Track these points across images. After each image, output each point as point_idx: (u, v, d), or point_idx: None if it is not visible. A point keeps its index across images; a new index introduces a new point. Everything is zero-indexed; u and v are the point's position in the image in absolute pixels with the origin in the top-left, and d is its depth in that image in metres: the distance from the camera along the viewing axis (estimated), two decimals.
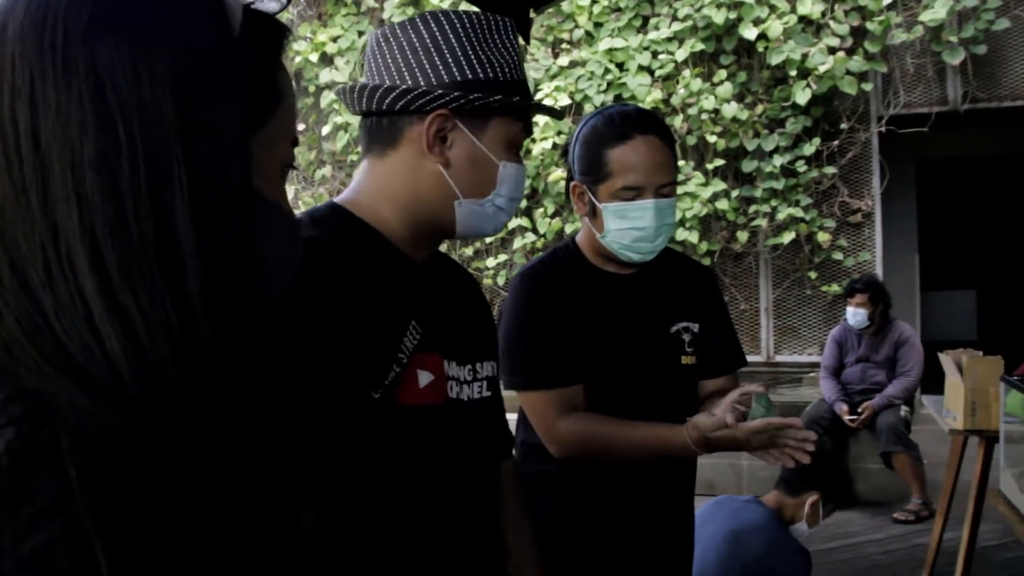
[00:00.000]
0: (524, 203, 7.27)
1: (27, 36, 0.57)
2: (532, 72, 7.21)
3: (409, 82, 1.18)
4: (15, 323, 0.56)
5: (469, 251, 7.47)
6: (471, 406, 1.26)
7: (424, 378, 1.16)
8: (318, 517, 1.02)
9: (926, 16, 6.36)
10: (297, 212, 0.92)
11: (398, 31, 1.21)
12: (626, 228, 1.70)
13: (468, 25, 1.20)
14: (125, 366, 0.55)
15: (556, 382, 1.71)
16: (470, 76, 1.18)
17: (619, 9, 7.14)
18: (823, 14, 6.57)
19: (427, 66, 1.18)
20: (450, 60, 1.18)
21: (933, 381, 4.71)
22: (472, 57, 1.19)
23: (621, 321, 1.78)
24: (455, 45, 1.18)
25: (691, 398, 1.84)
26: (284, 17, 8.33)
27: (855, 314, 5.34)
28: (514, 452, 1.88)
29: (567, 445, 1.70)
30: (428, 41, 1.19)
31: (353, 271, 1.14)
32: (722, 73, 6.80)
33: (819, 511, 2.97)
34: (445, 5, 7.33)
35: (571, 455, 1.71)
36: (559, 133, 6.97)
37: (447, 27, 1.19)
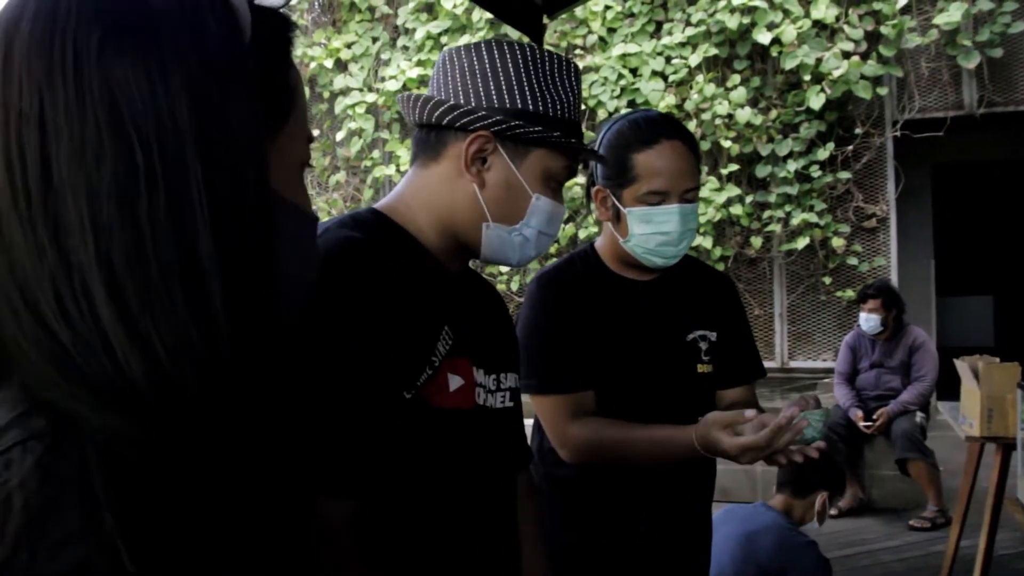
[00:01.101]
0: None
1: (34, 57, 0.55)
2: None
3: (461, 101, 1.22)
4: (34, 350, 0.54)
5: None
6: (496, 414, 1.28)
7: (455, 382, 1.18)
8: (358, 505, 1.05)
9: (941, 19, 6.34)
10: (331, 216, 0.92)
11: (463, 53, 1.26)
12: (651, 233, 1.70)
13: (529, 58, 1.24)
14: (147, 389, 0.54)
15: (570, 387, 1.72)
16: (520, 105, 1.22)
17: (632, 15, 7.15)
18: (837, 18, 6.55)
19: (481, 89, 1.22)
20: (504, 86, 1.23)
21: (950, 387, 4.68)
22: (525, 87, 1.23)
23: (637, 328, 1.78)
24: (512, 73, 1.23)
25: (707, 407, 1.82)
26: (298, 23, 8.40)
27: (868, 319, 5.32)
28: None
29: (578, 449, 1.70)
30: (488, 66, 1.23)
31: (392, 272, 1.16)
32: (736, 78, 6.79)
33: (827, 509, 3.00)
34: (459, 12, 7.35)
35: (582, 459, 1.71)
36: None
37: (508, 56, 1.24)
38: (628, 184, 1.71)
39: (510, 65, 1.23)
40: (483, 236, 1.24)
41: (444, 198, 1.23)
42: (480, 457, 1.22)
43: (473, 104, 1.22)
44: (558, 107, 1.25)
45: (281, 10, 0.72)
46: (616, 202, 1.74)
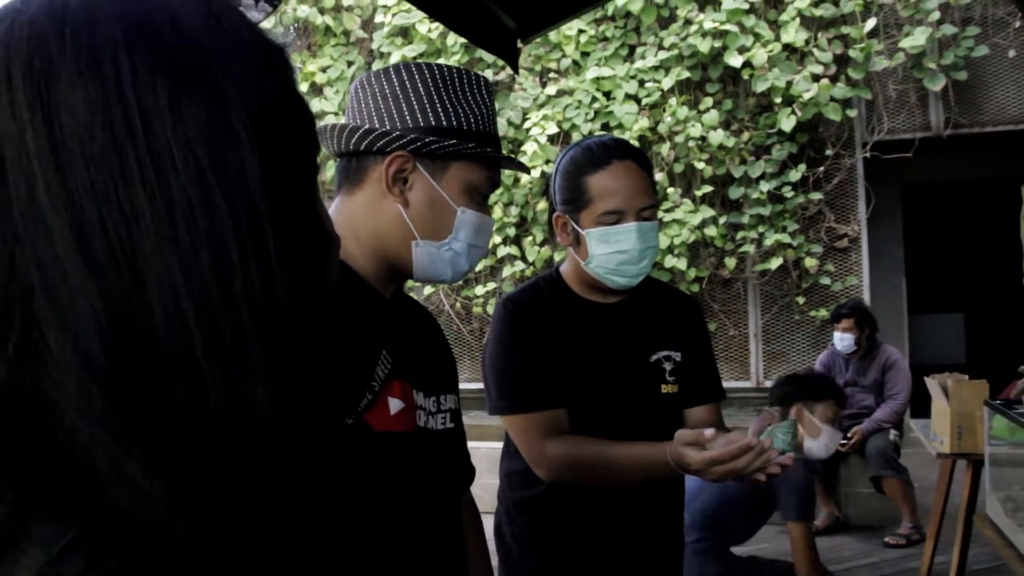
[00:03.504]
0: (513, 232, 7.30)
1: (93, 139, 0.48)
2: (520, 101, 7.28)
3: (376, 124, 1.24)
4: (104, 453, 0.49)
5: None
6: (437, 436, 1.29)
7: (395, 405, 1.19)
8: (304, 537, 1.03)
9: (907, 43, 6.46)
10: None
11: (373, 79, 1.27)
12: (610, 252, 1.73)
13: (439, 76, 1.26)
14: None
15: (541, 405, 1.73)
16: (432, 122, 1.24)
17: (606, 38, 7.23)
18: (806, 42, 6.66)
19: (394, 111, 1.24)
20: (416, 106, 1.24)
21: (921, 405, 4.73)
22: (437, 105, 1.25)
23: (602, 349, 1.80)
24: (422, 93, 1.24)
25: (674, 426, 1.84)
26: None
27: (842, 339, 5.37)
28: (501, 480, 1.89)
29: (554, 467, 1.71)
30: (398, 88, 1.25)
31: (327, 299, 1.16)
32: (708, 101, 6.87)
33: (810, 416, 3.10)
34: (434, 36, 7.40)
35: (558, 477, 1.72)
36: (547, 161, 7.02)
37: (417, 77, 1.25)
38: (585, 207, 1.74)
39: (419, 84, 1.25)
40: (413, 255, 1.25)
41: (371, 222, 1.25)
42: (423, 479, 1.23)
43: (388, 126, 1.23)
44: (471, 120, 1.26)
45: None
46: (575, 225, 1.76)
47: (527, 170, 1.55)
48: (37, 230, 0.48)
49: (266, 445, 0.54)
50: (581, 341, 1.79)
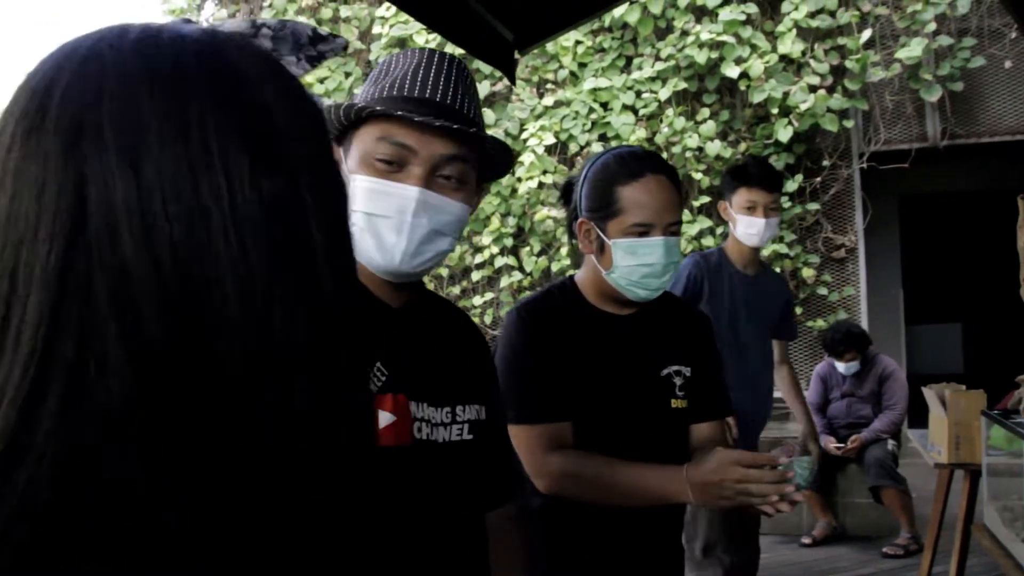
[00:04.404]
0: (510, 242, 7.30)
1: (180, 198, 0.50)
2: (517, 112, 7.29)
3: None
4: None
5: (456, 290, 7.49)
6: (445, 448, 1.23)
7: (384, 419, 1.16)
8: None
9: (903, 54, 6.48)
10: None
11: None
12: (635, 264, 1.72)
13: (392, 60, 1.24)
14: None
15: (545, 417, 1.71)
16: (355, 100, 1.22)
17: (603, 50, 7.24)
18: (803, 53, 6.68)
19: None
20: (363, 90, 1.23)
21: (919, 415, 4.73)
22: (369, 84, 1.23)
23: (615, 361, 1.78)
24: (371, 77, 1.24)
25: (681, 442, 1.84)
26: None
27: (849, 368, 5.38)
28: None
29: (555, 480, 1.69)
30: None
31: None
32: (705, 112, 6.89)
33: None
34: (431, 47, 7.41)
35: (559, 491, 1.70)
36: (544, 172, 7.03)
37: (382, 63, 1.26)
38: (613, 216, 1.73)
39: (376, 70, 1.25)
40: None
41: None
42: (425, 494, 1.17)
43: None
44: (384, 88, 1.20)
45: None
46: (601, 234, 1.75)
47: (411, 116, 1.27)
48: (115, 277, 0.48)
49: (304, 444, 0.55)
50: (593, 351, 1.78)
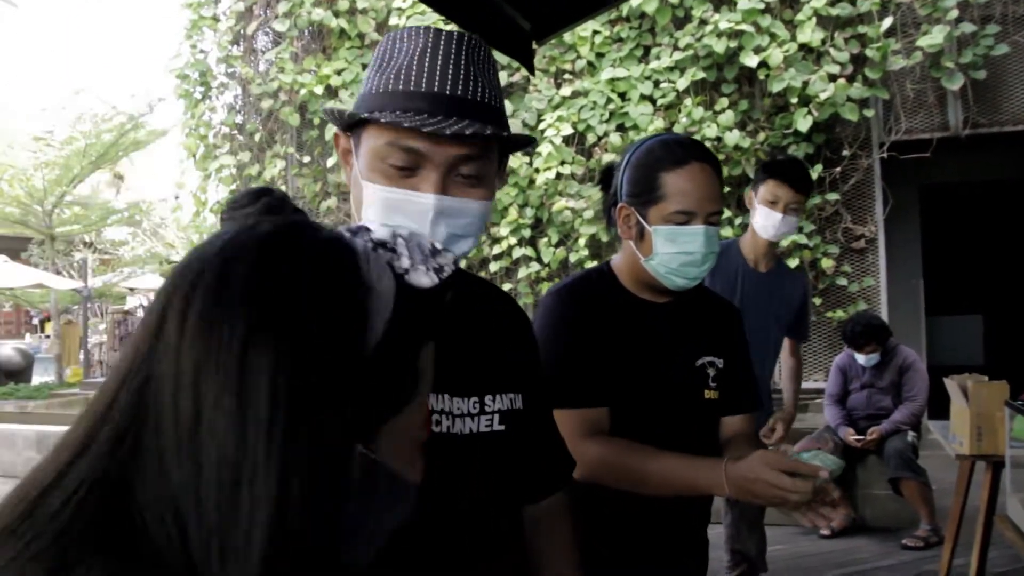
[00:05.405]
0: (528, 233, 7.30)
1: (220, 409, 0.60)
2: (535, 103, 7.28)
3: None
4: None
5: None
6: (471, 440, 1.17)
7: None
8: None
9: (924, 42, 6.41)
10: None
11: None
12: (675, 252, 1.70)
13: (394, 38, 1.13)
14: None
15: (582, 401, 1.69)
16: (364, 90, 1.14)
17: (621, 39, 7.22)
18: (823, 42, 6.63)
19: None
20: (366, 79, 1.15)
21: (940, 406, 4.70)
22: (373, 71, 1.13)
23: (650, 349, 1.76)
24: (374, 63, 1.14)
25: (712, 433, 1.83)
26: (288, 51, 8.38)
27: (869, 359, 5.34)
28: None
29: (591, 466, 1.64)
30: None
31: None
32: (724, 101, 6.85)
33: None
34: None
35: (593, 477, 1.65)
36: (562, 163, 7.01)
37: (381, 45, 1.16)
38: (655, 202, 1.70)
39: (378, 53, 1.15)
40: None
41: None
42: (446, 488, 1.11)
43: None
44: (392, 82, 1.10)
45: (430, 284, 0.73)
46: (641, 220, 1.73)
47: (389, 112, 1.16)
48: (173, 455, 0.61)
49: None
50: (630, 338, 1.75)
